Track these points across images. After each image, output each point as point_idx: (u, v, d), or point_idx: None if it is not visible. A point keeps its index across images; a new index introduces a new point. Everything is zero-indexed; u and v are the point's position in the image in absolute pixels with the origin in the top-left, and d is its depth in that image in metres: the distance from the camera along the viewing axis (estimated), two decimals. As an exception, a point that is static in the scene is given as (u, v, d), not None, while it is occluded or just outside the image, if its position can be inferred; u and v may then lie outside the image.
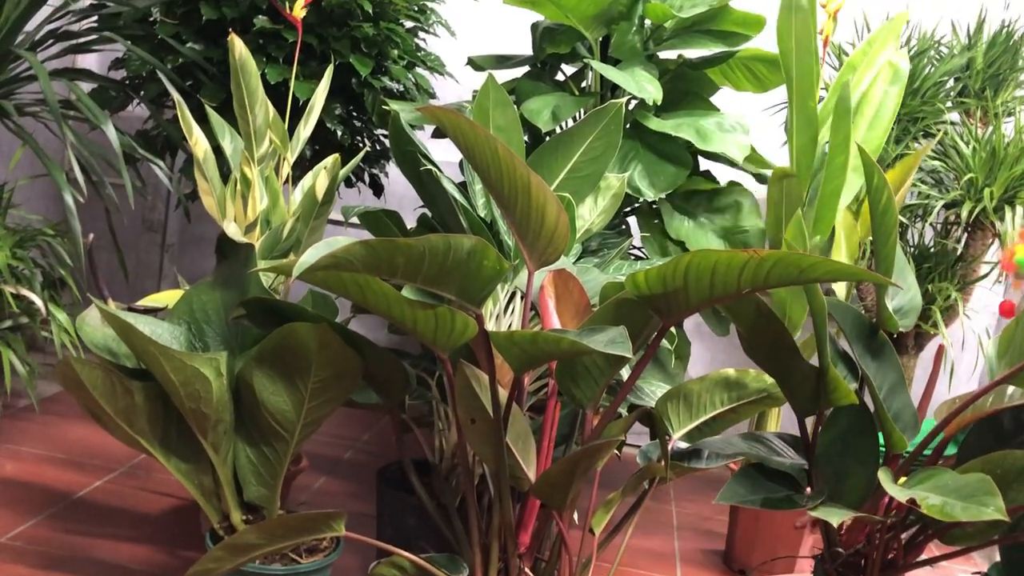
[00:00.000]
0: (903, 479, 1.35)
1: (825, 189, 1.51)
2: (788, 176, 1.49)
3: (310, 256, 1.08)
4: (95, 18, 2.27)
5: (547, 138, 2.10)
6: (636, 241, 2.38)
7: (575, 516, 1.67)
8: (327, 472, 2.39)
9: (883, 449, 1.44)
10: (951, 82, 2.58)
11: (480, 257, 1.17)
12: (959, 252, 2.47)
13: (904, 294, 1.48)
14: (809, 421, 1.47)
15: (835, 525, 1.38)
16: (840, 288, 1.63)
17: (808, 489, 1.45)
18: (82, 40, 2.17)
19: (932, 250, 2.49)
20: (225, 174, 1.92)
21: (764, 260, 1.17)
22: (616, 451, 2.17)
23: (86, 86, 2.23)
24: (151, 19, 2.24)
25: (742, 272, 1.20)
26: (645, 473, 1.55)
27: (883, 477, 1.29)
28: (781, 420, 2.27)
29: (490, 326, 1.79)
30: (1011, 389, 1.43)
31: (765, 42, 2.32)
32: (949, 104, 2.54)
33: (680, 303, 1.29)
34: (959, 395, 1.50)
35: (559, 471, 1.33)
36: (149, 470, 2.22)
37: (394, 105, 2.04)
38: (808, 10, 1.54)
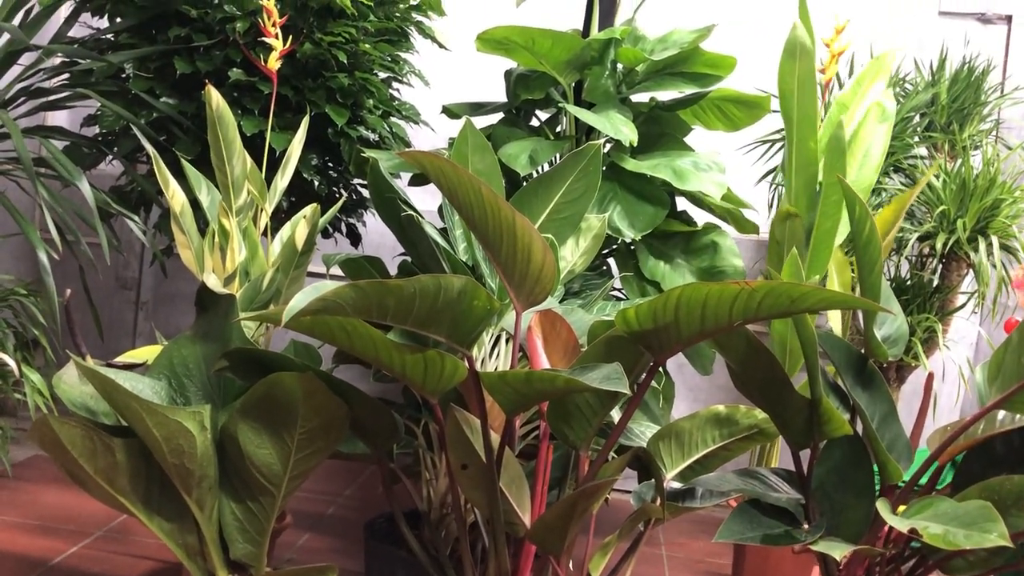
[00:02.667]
0: (901, 509, 1.33)
1: (820, 228, 1.52)
2: (792, 216, 1.50)
3: (299, 300, 1.06)
4: (67, 75, 2.26)
5: (525, 183, 2.10)
6: (616, 283, 2.38)
7: (570, 564, 1.64)
8: (311, 528, 2.34)
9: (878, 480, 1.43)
10: (917, 117, 2.63)
11: (471, 297, 1.16)
12: (935, 284, 2.49)
13: (891, 323, 1.49)
14: (804, 455, 1.46)
15: (838, 559, 1.36)
16: (836, 323, 1.63)
17: (806, 524, 1.43)
18: (55, 97, 2.16)
19: (909, 283, 2.51)
20: (202, 227, 1.90)
21: (755, 291, 1.16)
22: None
23: (58, 143, 2.21)
24: (124, 75, 2.23)
25: (733, 304, 1.20)
26: (640, 515, 1.53)
27: (882, 508, 1.28)
28: (780, 455, 2.26)
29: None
30: (1001, 414, 1.44)
31: (735, 82, 2.36)
32: (917, 139, 2.59)
33: (671, 338, 1.28)
34: (950, 423, 1.50)
35: (556, 514, 1.30)
36: (127, 533, 2.16)
37: (371, 153, 2.04)
38: (811, 53, 1.56)
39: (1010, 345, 1.34)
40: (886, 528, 1.39)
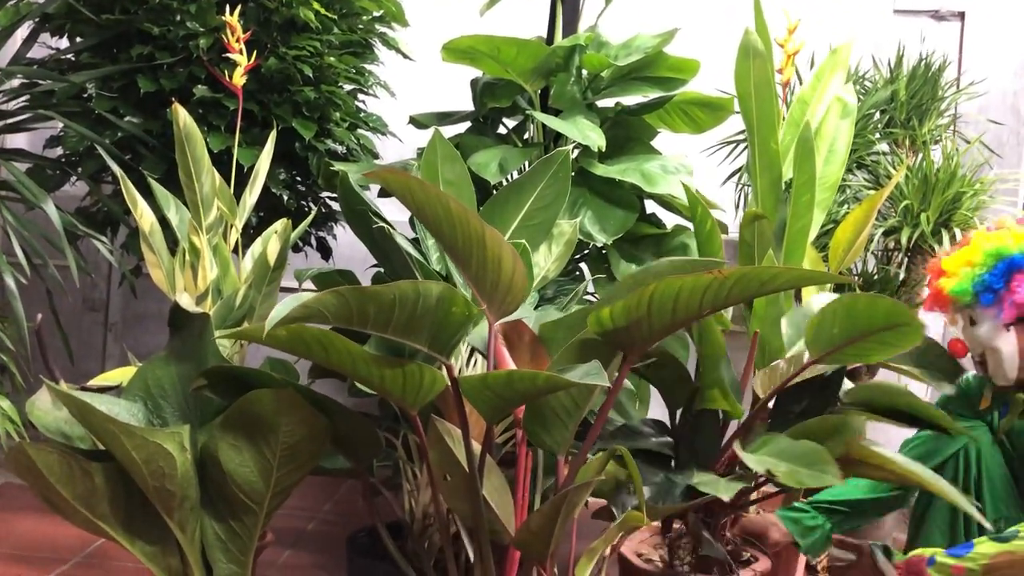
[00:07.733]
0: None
1: (792, 228, 1.56)
2: (760, 218, 1.52)
3: (282, 309, 1.06)
4: (27, 97, 2.23)
5: (495, 191, 2.11)
6: (590, 287, 2.39)
7: (555, 570, 1.65)
8: (291, 545, 2.32)
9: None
10: (877, 114, 2.67)
11: (449, 303, 1.16)
12: (901, 277, 2.53)
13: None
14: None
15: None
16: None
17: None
18: (16, 119, 2.13)
19: (875, 277, 2.55)
20: (172, 246, 1.88)
21: (727, 279, 1.19)
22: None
23: (20, 166, 2.18)
24: (86, 95, 2.21)
25: (704, 294, 1.22)
26: (625, 523, 1.53)
27: (737, 448, 1.44)
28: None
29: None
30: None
31: (699, 84, 2.38)
32: (878, 135, 2.63)
33: (643, 333, 1.30)
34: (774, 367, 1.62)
35: (540, 519, 1.30)
36: (104, 558, 2.13)
37: (340, 166, 2.03)
38: (765, 54, 1.59)
39: (826, 314, 1.39)
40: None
